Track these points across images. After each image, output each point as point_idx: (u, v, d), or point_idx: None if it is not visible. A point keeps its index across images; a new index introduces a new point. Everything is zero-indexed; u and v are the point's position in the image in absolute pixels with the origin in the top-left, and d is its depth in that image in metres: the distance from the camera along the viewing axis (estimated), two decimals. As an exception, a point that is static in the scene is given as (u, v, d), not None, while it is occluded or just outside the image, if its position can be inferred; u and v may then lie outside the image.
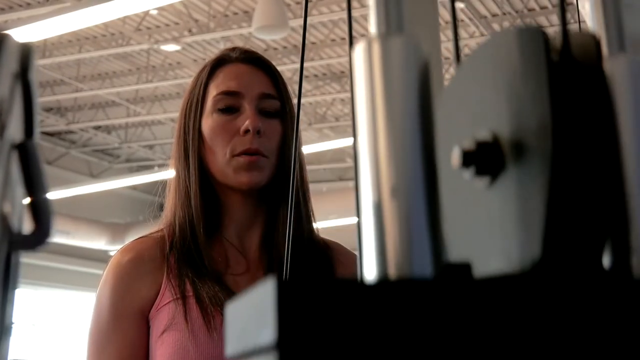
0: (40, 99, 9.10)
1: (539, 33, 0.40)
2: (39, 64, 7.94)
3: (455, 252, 0.45)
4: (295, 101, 1.29)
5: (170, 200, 1.26)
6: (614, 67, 0.43)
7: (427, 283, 0.35)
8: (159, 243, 1.22)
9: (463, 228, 0.45)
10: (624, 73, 0.43)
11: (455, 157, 0.42)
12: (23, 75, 0.35)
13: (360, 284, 0.34)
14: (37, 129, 0.36)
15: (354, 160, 0.46)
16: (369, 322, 0.33)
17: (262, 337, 0.33)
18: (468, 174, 0.43)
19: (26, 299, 10.85)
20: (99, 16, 4.99)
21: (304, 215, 1.24)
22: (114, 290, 1.18)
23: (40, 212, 0.34)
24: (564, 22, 0.41)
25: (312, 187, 1.32)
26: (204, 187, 1.22)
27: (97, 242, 10.52)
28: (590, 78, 0.41)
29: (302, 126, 1.16)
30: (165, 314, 1.15)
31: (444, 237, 0.39)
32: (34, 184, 0.34)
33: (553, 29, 7.60)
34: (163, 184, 1.31)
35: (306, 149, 8.35)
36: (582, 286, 0.35)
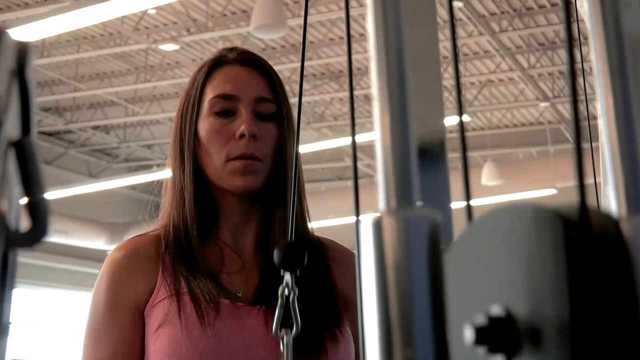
0: (39, 99, 9.09)
1: (557, 214, 0.39)
2: (37, 64, 7.93)
3: None
4: (292, 101, 1.30)
5: (166, 201, 1.27)
6: (634, 231, 0.40)
7: None
8: (155, 241, 1.23)
9: None
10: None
11: (468, 334, 0.40)
12: (20, 72, 0.34)
13: None
14: (34, 127, 0.36)
15: (352, 162, 0.45)
16: None
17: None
18: (481, 351, 0.41)
19: (25, 298, 10.84)
20: (97, 16, 4.98)
21: (298, 215, 1.24)
22: (109, 284, 1.19)
23: (38, 209, 0.34)
24: (582, 199, 0.38)
25: (310, 187, 1.32)
26: (198, 189, 1.23)
27: (96, 242, 10.52)
28: (610, 256, 0.39)
29: (300, 125, 1.16)
30: (160, 311, 1.16)
31: None
32: (30, 182, 0.34)
33: (552, 28, 7.60)
34: (160, 183, 1.32)
35: (304, 148, 8.35)
36: None
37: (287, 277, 0.94)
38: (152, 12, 7.23)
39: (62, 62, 8.38)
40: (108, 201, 11.36)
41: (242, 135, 1.19)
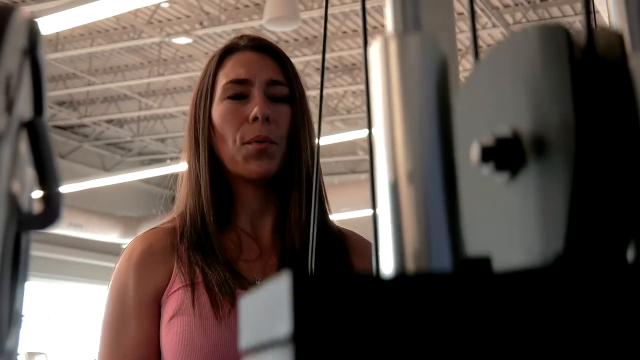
0: (53, 93, 9.13)
1: (562, 31, 0.40)
2: (51, 58, 7.95)
3: (474, 248, 0.44)
4: (307, 90, 1.30)
5: (182, 191, 1.26)
6: (638, 64, 0.42)
7: (446, 277, 0.34)
8: (170, 233, 1.23)
9: (482, 224, 0.45)
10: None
11: (475, 152, 0.42)
12: (31, 51, 0.34)
13: (377, 278, 0.33)
14: (47, 107, 0.35)
15: (369, 155, 0.45)
16: (386, 317, 0.32)
17: (277, 330, 0.33)
18: (487, 170, 0.42)
19: (40, 292, 10.91)
20: (111, 9, 4.99)
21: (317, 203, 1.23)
22: (128, 281, 1.19)
23: (50, 191, 0.33)
24: (588, 18, 0.40)
25: (324, 180, 1.31)
26: (214, 176, 1.22)
27: (110, 235, 10.56)
28: (614, 75, 0.39)
29: (314, 118, 1.17)
30: (175, 300, 1.16)
31: (463, 233, 0.38)
32: (43, 164, 0.33)
33: (566, 20, 7.55)
34: (174, 176, 1.31)
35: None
36: (606, 280, 0.34)
37: None
38: (165, 5, 7.23)
39: (76, 56, 8.40)
40: (122, 195, 11.40)
41: (256, 118, 1.19)
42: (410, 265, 0.37)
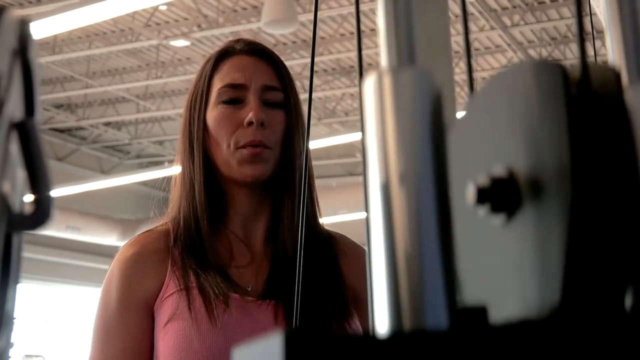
0: (50, 96, 9.12)
1: (557, 67, 0.39)
2: (49, 61, 7.96)
3: (471, 292, 0.43)
4: (304, 96, 1.30)
5: (175, 194, 1.26)
6: (635, 98, 0.41)
7: (442, 335, 0.34)
8: (164, 236, 1.23)
9: (478, 268, 0.44)
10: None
11: (470, 194, 0.41)
12: (22, 52, 0.34)
13: (373, 337, 0.33)
14: (38, 107, 0.35)
15: (363, 158, 0.44)
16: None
17: None
18: (483, 211, 0.41)
19: (38, 294, 10.89)
20: (108, 12, 4.99)
21: (308, 206, 1.23)
22: (119, 284, 1.19)
23: (40, 192, 0.33)
24: (583, 53, 0.39)
25: (321, 182, 1.32)
26: (208, 180, 1.22)
27: (108, 238, 10.55)
28: (610, 111, 0.39)
29: (311, 121, 1.17)
30: (169, 305, 1.15)
31: (459, 276, 0.37)
32: (33, 164, 0.33)
33: (564, 23, 7.56)
34: (168, 179, 1.31)
35: (316, 144, 8.34)
36: (603, 333, 0.34)
37: None
38: (163, 8, 7.23)
39: (74, 59, 8.40)
40: (120, 197, 11.39)
41: (250, 123, 1.19)
42: (405, 322, 0.36)
